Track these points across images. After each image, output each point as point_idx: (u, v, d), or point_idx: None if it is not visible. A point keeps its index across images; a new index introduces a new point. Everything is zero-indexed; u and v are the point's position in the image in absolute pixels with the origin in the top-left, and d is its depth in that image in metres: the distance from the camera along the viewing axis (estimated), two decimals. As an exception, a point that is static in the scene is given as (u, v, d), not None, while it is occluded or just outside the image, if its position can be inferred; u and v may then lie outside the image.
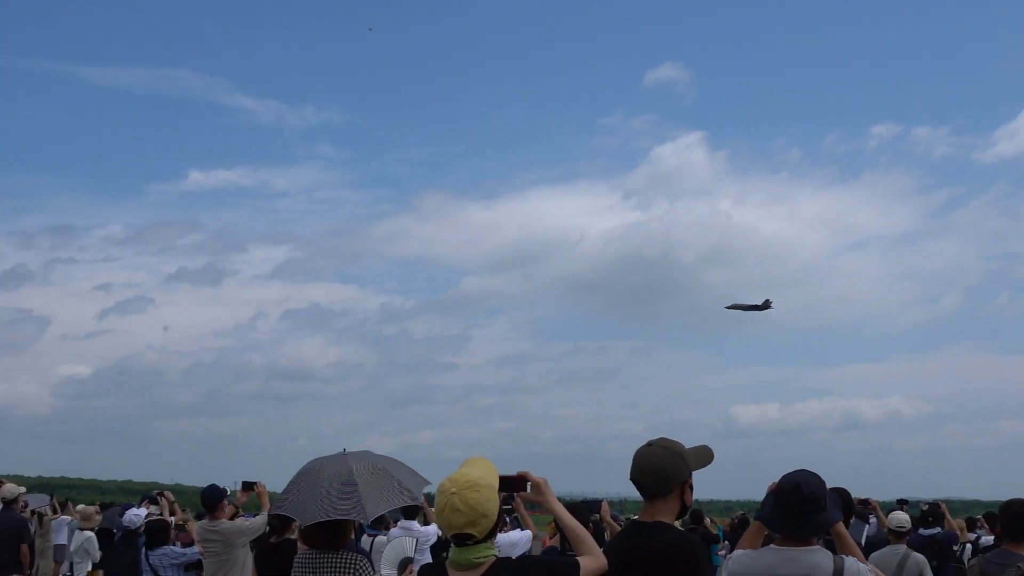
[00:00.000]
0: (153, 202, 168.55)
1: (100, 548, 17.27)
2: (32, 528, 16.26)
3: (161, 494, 16.58)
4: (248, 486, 11.19)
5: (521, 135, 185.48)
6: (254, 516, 11.35)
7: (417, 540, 12.67)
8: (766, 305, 62.43)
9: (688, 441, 5.17)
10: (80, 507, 20.41)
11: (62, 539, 21.82)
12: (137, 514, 16.17)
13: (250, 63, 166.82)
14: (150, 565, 11.63)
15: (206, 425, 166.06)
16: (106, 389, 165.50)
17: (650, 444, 5.06)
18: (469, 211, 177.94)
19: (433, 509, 15.97)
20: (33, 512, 17.30)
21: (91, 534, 17.24)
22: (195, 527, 11.49)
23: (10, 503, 15.22)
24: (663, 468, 4.98)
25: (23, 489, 15.99)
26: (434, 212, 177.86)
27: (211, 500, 10.90)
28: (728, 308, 65.10)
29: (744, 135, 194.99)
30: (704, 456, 5.22)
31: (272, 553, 8.72)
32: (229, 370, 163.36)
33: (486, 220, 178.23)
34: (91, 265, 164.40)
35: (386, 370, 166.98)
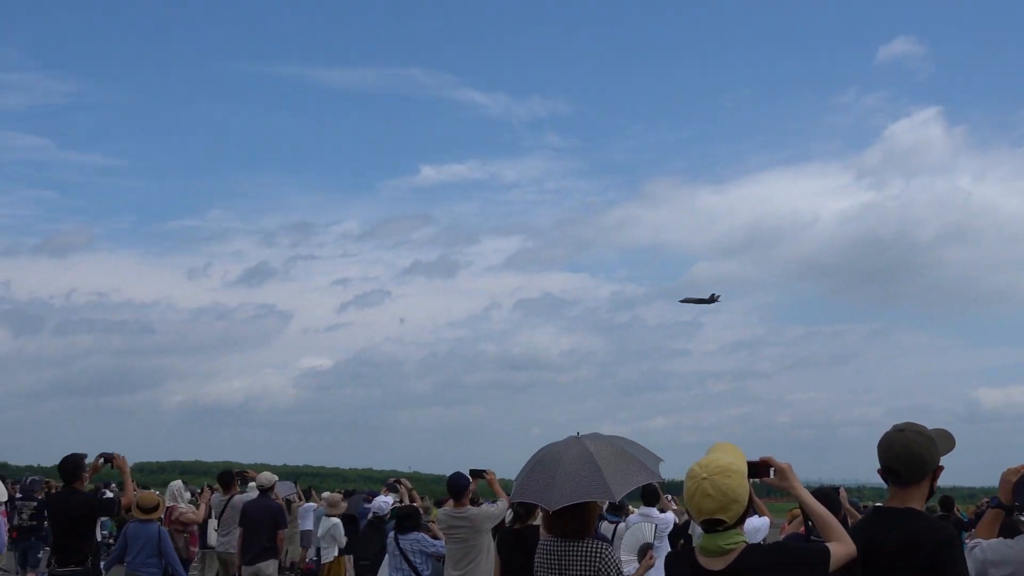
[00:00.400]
0: (387, 198, 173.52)
1: (346, 534, 17.92)
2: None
3: (399, 481, 17.06)
4: (476, 474, 11.41)
5: (750, 117, 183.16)
6: (493, 503, 11.55)
7: (656, 526, 12.68)
8: (713, 299, 64.48)
9: (928, 426, 5.03)
10: (326, 494, 21.12)
11: (308, 525, 22.64)
12: (386, 501, 16.68)
13: (477, 58, 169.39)
14: (400, 549, 11.96)
15: (441, 414, 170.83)
16: (346, 380, 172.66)
17: (900, 429, 4.91)
18: (699, 196, 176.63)
19: (668, 496, 15.82)
20: (282, 499, 18.03)
21: (337, 520, 17.87)
22: (438, 514, 11.78)
23: (267, 491, 15.95)
24: (919, 453, 4.82)
25: (276, 477, 16.73)
26: (664, 198, 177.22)
27: (458, 487, 11.13)
28: (681, 302, 66.88)
29: (983, 109, 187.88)
30: (946, 441, 5.06)
31: (515, 539, 8.84)
32: (463, 360, 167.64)
33: (717, 205, 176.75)
34: (330, 261, 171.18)
35: (618, 357, 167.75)
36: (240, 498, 16.52)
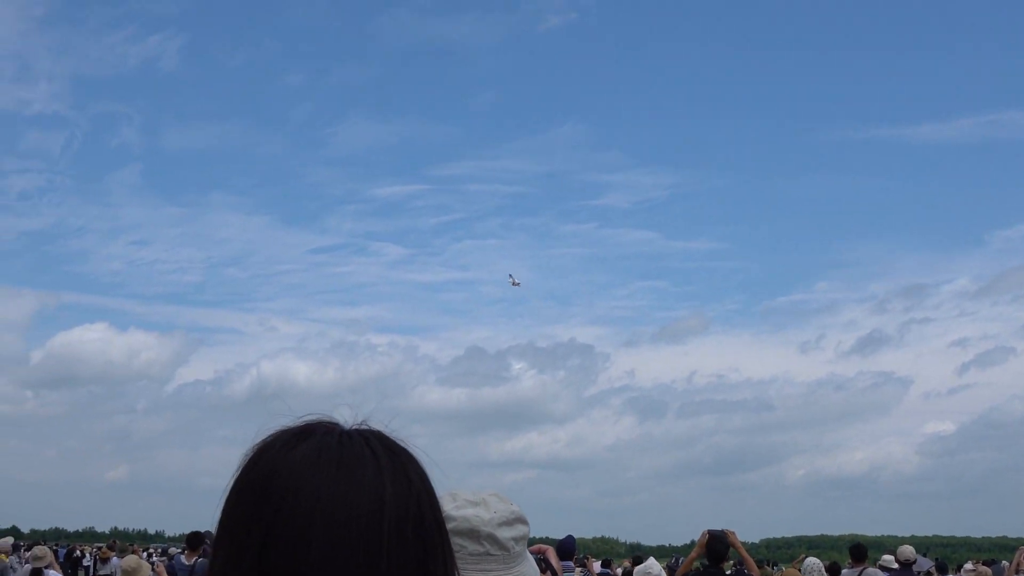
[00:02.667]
0: (999, 250, 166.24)
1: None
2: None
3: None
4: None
5: None
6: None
7: None
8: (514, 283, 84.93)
9: None
10: (967, 565, 20.18)
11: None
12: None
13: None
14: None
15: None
16: (971, 444, 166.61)
17: None
18: None
19: None
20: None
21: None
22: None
23: (908, 565, 15.72)
24: None
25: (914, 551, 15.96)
26: None
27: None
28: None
29: None
30: None
31: None
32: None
33: None
34: (945, 322, 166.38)
35: None
36: (874, 571, 15.99)
